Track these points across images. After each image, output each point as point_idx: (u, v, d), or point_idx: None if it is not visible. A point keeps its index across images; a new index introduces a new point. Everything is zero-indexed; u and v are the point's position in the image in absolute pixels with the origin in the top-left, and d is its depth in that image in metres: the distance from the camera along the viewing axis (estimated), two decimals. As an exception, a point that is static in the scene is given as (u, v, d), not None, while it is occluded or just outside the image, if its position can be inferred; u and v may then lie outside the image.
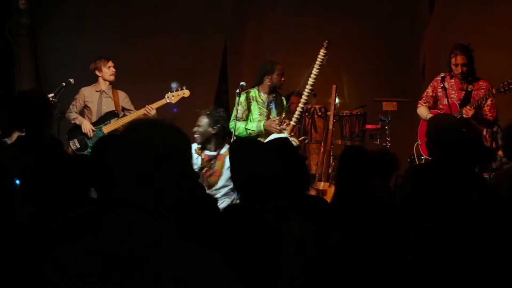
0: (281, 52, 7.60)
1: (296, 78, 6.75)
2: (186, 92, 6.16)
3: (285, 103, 5.97)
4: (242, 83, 5.79)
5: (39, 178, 2.63)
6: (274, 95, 5.84)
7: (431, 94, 5.89)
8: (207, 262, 1.43)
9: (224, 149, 5.02)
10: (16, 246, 2.40)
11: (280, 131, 5.59)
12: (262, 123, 5.65)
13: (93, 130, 5.98)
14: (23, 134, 3.45)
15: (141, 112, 6.02)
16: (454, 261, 2.54)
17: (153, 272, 1.38)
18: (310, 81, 5.62)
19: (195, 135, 5.00)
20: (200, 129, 5.01)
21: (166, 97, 6.11)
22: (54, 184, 2.58)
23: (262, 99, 5.75)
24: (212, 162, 4.99)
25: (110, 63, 6.14)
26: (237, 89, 5.76)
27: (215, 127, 5.01)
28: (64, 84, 5.91)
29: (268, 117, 5.74)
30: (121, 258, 1.40)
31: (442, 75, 5.76)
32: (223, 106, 7.99)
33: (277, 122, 5.61)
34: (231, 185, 4.78)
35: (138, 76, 7.34)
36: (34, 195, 2.60)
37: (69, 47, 7.37)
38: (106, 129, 5.99)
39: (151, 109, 5.99)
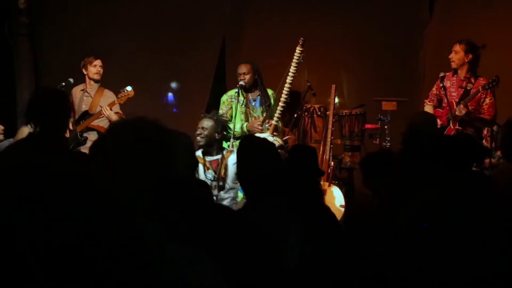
0: (280, 52, 7.59)
1: (296, 77, 6.72)
2: (130, 93, 5.95)
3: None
4: (241, 82, 5.79)
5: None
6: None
7: (435, 92, 5.94)
8: (196, 265, 1.42)
9: (225, 152, 5.04)
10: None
11: (262, 131, 5.62)
12: (245, 124, 5.72)
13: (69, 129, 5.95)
14: (33, 131, 3.44)
15: (99, 113, 5.91)
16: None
17: (140, 272, 1.38)
18: (289, 79, 5.64)
19: (199, 138, 4.96)
20: (205, 132, 4.97)
21: (116, 97, 6.04)
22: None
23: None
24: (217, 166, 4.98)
25: (97, 62, 6.04)
26: (236, 89, 5.77)
27: (219, 133, 5.03)
28: (63, 84, 5.90)
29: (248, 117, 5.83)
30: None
31: (441, 74, 5.76)
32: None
33: (260, 122, 5.66)
34: (236, 187, 4.81)
35: (136, 75, 7.32)
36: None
37: (69, 46, 7.36)
38: (79, 128, 5.95)
39: (106, 109, 5.87)
